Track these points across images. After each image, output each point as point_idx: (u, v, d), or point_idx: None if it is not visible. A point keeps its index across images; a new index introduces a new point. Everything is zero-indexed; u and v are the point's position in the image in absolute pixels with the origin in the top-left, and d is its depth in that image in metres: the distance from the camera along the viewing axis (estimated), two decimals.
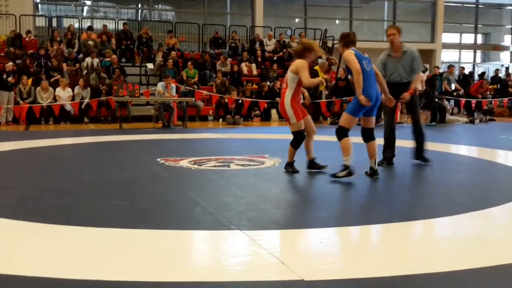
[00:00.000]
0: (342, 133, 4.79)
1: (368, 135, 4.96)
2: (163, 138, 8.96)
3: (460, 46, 23.27)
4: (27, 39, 13.91)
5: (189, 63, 13.70)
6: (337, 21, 21.25)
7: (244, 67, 14.87)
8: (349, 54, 4.75)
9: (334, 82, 13.77)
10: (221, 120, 12.79)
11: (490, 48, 23.70)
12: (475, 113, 13.61)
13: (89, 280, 2.32)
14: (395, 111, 5.94)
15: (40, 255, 2.70)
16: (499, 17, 23.93)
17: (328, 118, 13.17)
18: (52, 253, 2.72)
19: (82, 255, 2.67)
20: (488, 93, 14.45)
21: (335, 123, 12.59)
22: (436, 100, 12.83)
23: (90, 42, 13.99)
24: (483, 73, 17.78)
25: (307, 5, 19.85)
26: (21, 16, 14.86)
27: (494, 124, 13.47)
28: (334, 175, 4.73)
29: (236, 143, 8.07)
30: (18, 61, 12.83)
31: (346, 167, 4.70)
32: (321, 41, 17.43)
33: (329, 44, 17.14)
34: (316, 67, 12.90)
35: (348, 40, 4.87)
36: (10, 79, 11.51)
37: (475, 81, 17.38)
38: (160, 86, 11.41)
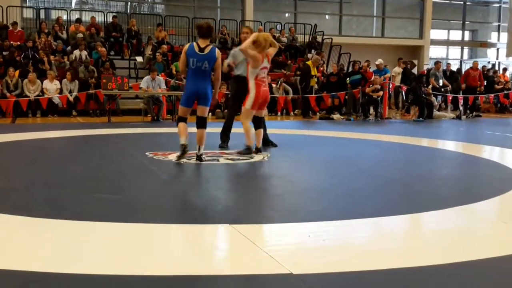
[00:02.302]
0: (178, 120, 5.51)
1: (200, 123, 5.44)
2: (152, 132, 8.93)
3: (447, 43, 23.45)
4: (14, 31, 13.72)
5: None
6: (327, 16, 21.28)
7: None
8: (184, 49, 5.38)
9: (322, 77, 13.81)
10: (210, 114, 12.76)
11: (477, 45, 23.91)
12: (461, 109, 13.76)
13: (77, 274, 2.32)
14: (236, 106, 6.68)
15: (26, 248, 2.69)
16: (486, 14, 24.14)
17: (318, 113, 13.21)
18: (38, 247, 2.71)
19: (69, 249, 2.66)
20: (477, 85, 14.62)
21: (325, 118, 12.68)
22: (424, 95, 12.94)
23: (79, 35, 13.86)
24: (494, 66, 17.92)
25: (297, 0, 19.84)
26: (8, 7, 14.66)
27: (481, 120, 13.63)
28: (177, 157, 5.39)
29: None
30: (5, 53, 12.68)
31: (182, 146, 5.40)
32: (310, 36, 17.46)
33: (319, 39, 17.16)
34: (309, 62, 12.92)
35: (198, 31, 5.37)
36: None
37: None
38: (144, 82, 11.34)
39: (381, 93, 12.56)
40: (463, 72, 17.14)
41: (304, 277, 2.31)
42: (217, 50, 5.37)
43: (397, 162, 6.04)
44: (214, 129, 6.79)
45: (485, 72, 16.56)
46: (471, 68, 14.78)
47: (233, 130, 6.78)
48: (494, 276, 2.44)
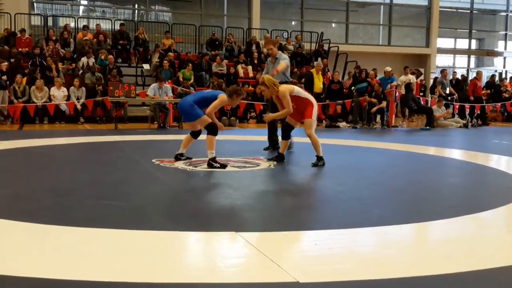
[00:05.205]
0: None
1: (196, 135, 6.01)
2: (159, 139, 8.96)
3: (454, 51, 23.42)
4: (22, 38, 13.84)
5: (190, 65, 13.69)
6: (333, 25, 21.33)
7: (240, 69, 14.90)
8: None
9: (327, 84, 13.83)
10: None
11: (484, 54, 23.86)
12: (468, 118, 13.72)
13: (81, 280, 2.32)
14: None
15: (32, 255, 2.69)
16: (493, 23, 24.10)
17: (324, 121, 13.20)
18: (44, 253, 2.71)
19: (75, 255, 2.66)
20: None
21: (331, 126, 12.67)
22: (415, 103, 13.02)
23: (86, 38, 14.00)
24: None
25: (303, 8, 19.91)
26: (16, 14, 14.81)
27: (487, 128, 13.56)
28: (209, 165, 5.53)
29: (231, 144, 8.08)
30: (12, 60, 12.79)
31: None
32: (317, 44, 17.49)
33: (325, 47, 17.20)
34: (312, 70, 12.94)
35: None
36: (4, 77, 11.49)
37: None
38: (151, 90, 11.38)
39: (384, 103, 12.57)
40: (469, 81, 17.13)
41: (311, 286, 2.30)
42: None
43: (404, 171, 6.02)
44: (218, 136, 6.79)
45: (495, 81, 16.53)
46: (476, 79, 14.77)
47: (243, 137, 6.81)
48: (501, 286, 2.42)
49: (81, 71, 13.00)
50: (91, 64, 13.14)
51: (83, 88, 12.17)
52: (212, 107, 5.65)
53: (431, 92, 15.56)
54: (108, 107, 11.97)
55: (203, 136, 5.78)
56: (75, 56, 13.89)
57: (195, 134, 5.98)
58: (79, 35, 14.58)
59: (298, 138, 7.36)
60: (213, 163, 5.49)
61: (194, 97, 5.81)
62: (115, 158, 6.68)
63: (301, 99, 5.91)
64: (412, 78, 14.36)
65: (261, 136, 9.08)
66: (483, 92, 16.20)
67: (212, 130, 5.61)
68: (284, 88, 5.83)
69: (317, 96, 12.62)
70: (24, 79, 12.05)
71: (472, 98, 14.25)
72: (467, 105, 14.04)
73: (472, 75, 22.07)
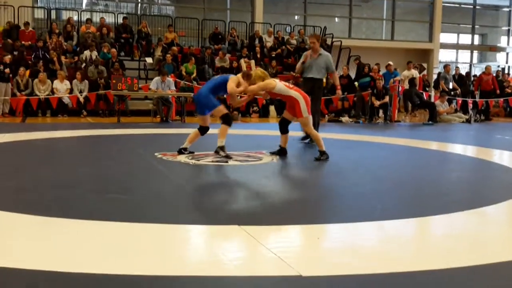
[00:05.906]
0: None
1: (203, 131, 5.97)
2: (161, 133, 8.97)
3: (457, 46, 23.34)
4: (25, 31, 13.84)
5: (193, 59, 13.67)
6: (336, 19, 21.26)
7: (243, 63, 14.87)
8: None
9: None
10: None
11: (486, 49, 23.77)
12: (471, 113, 13.70)
13: (83, 273, 2.33)
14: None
15: (34, 247, 2.70)
16: (495, 18, 23.99)
17: (326, 115, 13.20)
18: (46, 246, 2.72)
19: (78, 248, 2.68)
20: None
21: (334, 120, 12.67)
22: (418, 98, 13.00)
23: (89, 31, 14.00)
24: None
25: (307, 2, 19.84)
26: (19, 7, 14.80)
27: (490, 123, 13.54)
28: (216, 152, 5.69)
29: (234, 139, 8.08)
30: (15, 53, 12.79)
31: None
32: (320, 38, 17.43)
33: (328, 41, 17.16)
34: None
35: None
36: (7, 70, 11.50)
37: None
38: (153, 83, 11.38)
39: (386, 98, 12.55)
40: (472, 76, 17.06)
41: (313, 279, 2.31)
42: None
43: (406, 165, 6.02)
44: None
45: (499, 77, 16.48)
46: (483, 73, 14.72)
47: (245, 132, 6.81)
48: (504, 281, 2.43)
49: (84, 64, 13.01)
50: (94, 57, 13.13)
51: (86, 81, 12.17)
52: (232, 87, 5.61)
53: (434, 87, 15.52)
54: (111, 101, 11.98)
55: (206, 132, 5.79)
56: (78, 49, 13.89)
57: (203, 130, 5.94)
58: (82, 28, 14.56)
59: (298, 132, 7.36)
60: (220, 151, 5.66)
61: (208, 87, 5.83)
62: (118, 151, 6.69)
63: (286, 97, 5.86)
64: (415, 73, 14.33)
65: (263, 131, 9.09)
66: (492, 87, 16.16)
67: (227, 120, 5.75)
68: (263, 82, 5.79)
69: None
70: (27, 72, 12.06)
71: (477, 92, 14.20)
72: (469, 100, 14.00)
73: (474, 70, 22.02)
